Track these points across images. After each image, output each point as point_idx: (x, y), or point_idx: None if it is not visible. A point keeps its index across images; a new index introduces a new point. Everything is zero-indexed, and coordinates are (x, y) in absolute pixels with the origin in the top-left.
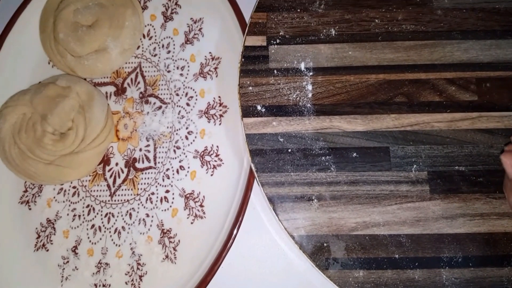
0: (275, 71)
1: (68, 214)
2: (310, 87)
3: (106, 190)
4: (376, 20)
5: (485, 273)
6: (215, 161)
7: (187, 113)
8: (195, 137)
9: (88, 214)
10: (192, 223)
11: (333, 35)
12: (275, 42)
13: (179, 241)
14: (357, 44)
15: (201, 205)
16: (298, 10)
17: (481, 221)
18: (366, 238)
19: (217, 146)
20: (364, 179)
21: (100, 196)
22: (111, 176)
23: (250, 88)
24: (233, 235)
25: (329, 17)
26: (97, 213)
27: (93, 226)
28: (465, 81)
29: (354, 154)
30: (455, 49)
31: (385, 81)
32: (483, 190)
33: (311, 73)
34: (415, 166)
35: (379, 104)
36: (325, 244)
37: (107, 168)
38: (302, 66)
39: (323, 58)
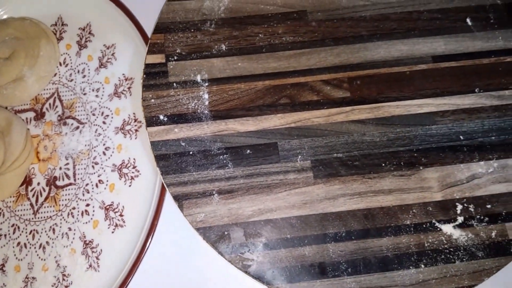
0: (175, 84)
1: None
2: (206, 96)
3: (30, 209)
4: (260, 35)
5: (367, 244)
6: (133, 172)
7: (103, 130)
8: (113, 152)
9: (14, 233)
10: (113, 232)
11: (224, 50)
12: (173, 59)
13: (101, 250)
14: (245, 56)
15: (120, 215)
16: (192, 30)
17: (359, 199)
18: (261, 223)
19: (134, 159)
20: (257, 172)
21: (24, 215)
22: (33, 195)
23: (153, 100)
24: (150, 236)
25: (219, 34)
26: (22, 231)
27: (19, 243)
28: (338, 81)
29: (248, 151)
30: (328, 54)
31: (271, 86)
32: (359, 172)
33: (206, 84)
34: (300, 156)
35: (266, 106)
36: (226, 233)
37: (30, 188)
38: (198, 78)
39: (216, 70)
